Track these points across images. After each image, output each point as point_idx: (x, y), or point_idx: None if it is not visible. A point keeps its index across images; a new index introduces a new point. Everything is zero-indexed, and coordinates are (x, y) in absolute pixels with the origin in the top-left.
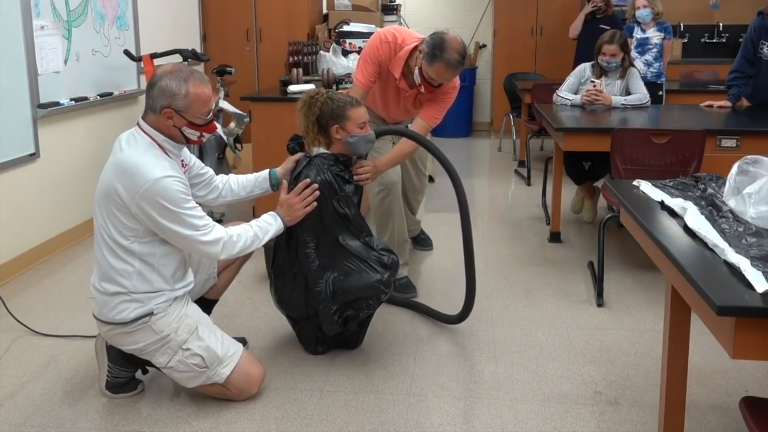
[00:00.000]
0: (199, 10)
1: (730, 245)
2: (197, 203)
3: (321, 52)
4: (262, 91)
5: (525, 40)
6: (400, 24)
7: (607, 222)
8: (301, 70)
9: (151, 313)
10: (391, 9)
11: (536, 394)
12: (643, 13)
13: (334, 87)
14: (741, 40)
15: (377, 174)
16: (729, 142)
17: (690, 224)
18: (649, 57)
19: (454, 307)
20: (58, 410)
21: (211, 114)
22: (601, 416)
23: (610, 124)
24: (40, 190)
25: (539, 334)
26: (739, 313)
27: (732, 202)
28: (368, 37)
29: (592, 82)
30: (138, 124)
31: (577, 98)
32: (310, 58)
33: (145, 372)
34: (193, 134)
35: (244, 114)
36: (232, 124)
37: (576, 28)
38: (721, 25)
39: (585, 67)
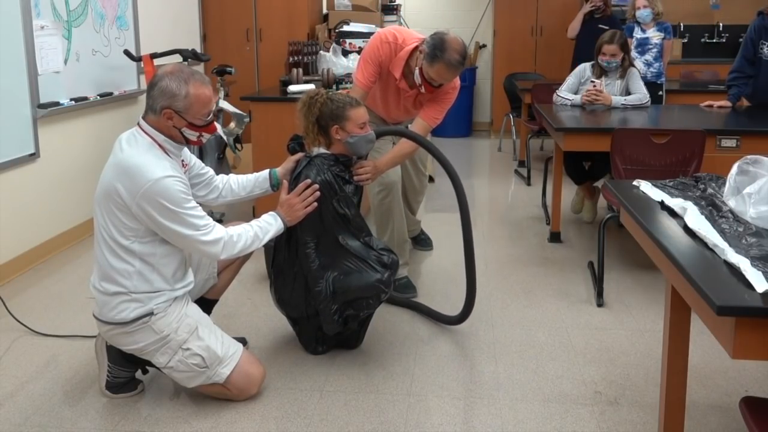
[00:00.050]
0: (199, 10)
1: (730, 245)
2: (197, 203)
3: (321, 52)
4: (262, 91)
5: (525, 40)
6: (400, 24)
7: (607, 222)
8: (301, 70)
9: (151, 313)
10: (391, 9)
11: (536, 394)
12: (644, 13)
13: (334, 87)
14: (741, 40)
15: (377, 174)
16: (729, 142)
17: (690, 224)
18: (649, 57)
19: (454, 307)
20: (58, 410)
21: (211, 115)
22: (601, 416)
23: (610, 124)
24: (40, 190)
25: (539, 334)
26: (739, 313)
27: (732, 202)
28: (368, 37)
29: (592, 82)
30: (138, 124)
31: (577, 98)
32: (310, 58)
33: (145, 372)
34: (192, 135)
35: (244, 114)
36: (232, 124)
37: (574, 28)
38: (721, 25)
39: (585, 67)
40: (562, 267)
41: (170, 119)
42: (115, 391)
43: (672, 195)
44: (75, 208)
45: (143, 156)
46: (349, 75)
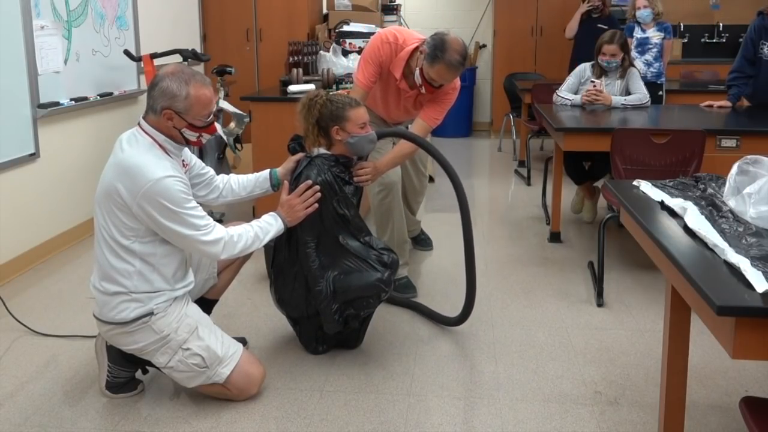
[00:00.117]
0: (199, 10)
1: (730, 245)
2: (198, 203)
3: (321, 52)
4: (262, 91)
5: (525, 40)
6: (400, 24)
7: (607, 222)
8: (301, 70)
9: (151, 313)
10: (391, 9)
11: (536, 394)
12: (644, 13)
13: (334, 87)
14: (741, 40)
15: (377, 175)
16: (729, 142)
17: (690, 224)
18: (649, 57)
19: (454, 307)
20: (58, 410)
21: (211, 116)
22: (601, 416)
23: (610, 124)
24: (40, 190)
25: (539, 334)
26: (739, 313)
27: (732, 202)
28: (368, 37)
29: (592, 82)
30: (139, 124)
31: (577, 98)
32: (310, 58)
33: (145, 372)
34: (192, 135)
35: (244, 114)
36: (232, 124)
37: (572, 28)
38: (721, 25)
39: (585, 67)
40: (562, 267)
41: (170, 120)
42: (115, 391)
43: (672, 195)
44: (75, 208)
45: (144, 156)
46: (349, 75)
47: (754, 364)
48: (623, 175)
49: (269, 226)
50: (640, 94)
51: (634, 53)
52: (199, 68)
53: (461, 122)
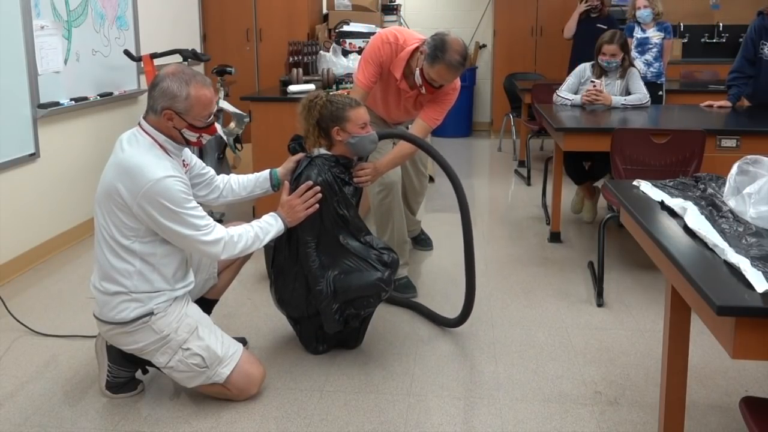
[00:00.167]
0: (199, 10)
1: (730, 245)
2: (198, 203)
3: (321, 52)
4: (262, 91)
5: (525, 40)
6: (400, 24)
7: (607, 222)
8: (301, 70)
9: (151, 313)
10: (391, 9)
11: (536, 394)
12: (644, 13)
13: (334, 87)
14: (741, 40)
15: (377, 176)
16: (729, 142)
17: (690, 224)
18: (649, 57)
19: (454, 307)
20: (58, 410)
21: (211, 117)
22: (601, 416)
23: (610, 124)
24: (40, 190)
25: (539, 334)
26: (739, 313)
27: (732, 202)
28: (368, 37)
29: (592, 82)
30: (139, 124)
31: (577, 98)
32: (310, 58)
33: (145, 372)
34: (192, 136)
35: (244, 114)
36: (232, 124)
37: (570, 29)
38: (721, 25)
39: (585, 67)
40: (562, 267)
41: (170, 120)
42: (115, 391)
43: (672, 195)
44: (75, 208)
45: (144, 156)
46: (349, 75)
47: (754, 364)
48: (623, 175)
49: (269, 226)
50: (640, 94)
51: (634, 53)
52: (199, 68)
53: (461, 122)
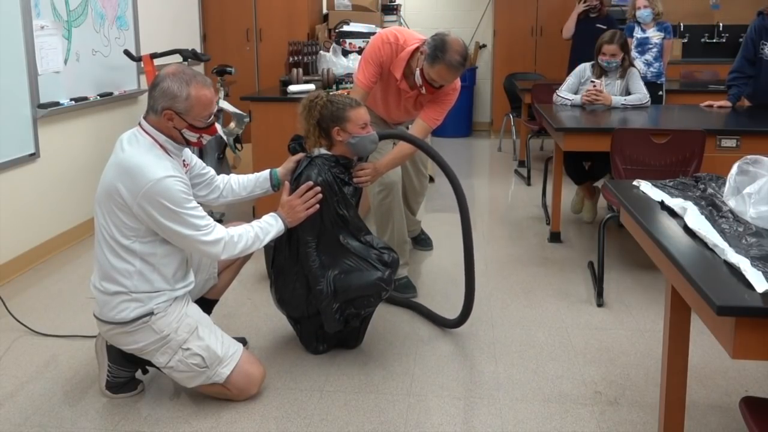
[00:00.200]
0: (199, 10)
1: (730, 245)
2: (198, 203)
3: (321, 52)
4: (262, 91)
5: (525, 40)
6: (400, 24)
7: (607, 222)
8: (301, 70)
9: (151, 313)
10: (391, 9)
11: (536, 394)
12: (644, 13)
13: (334, 87)
14: (741, 40)
15: (377, 176)
16: (729, 142)
17: (690, 224)
18: (649, 57)
19: (454, 307)
20: (58, 410)
21: (212, 117)
22: (601, 416)
23: (610, 124)
24: (40, 190)
25: (539, 334)
26: (739, 313)
27: (732, 202)
28: (368, 37)
29: (592, 82)
30: (139, 124)
31: (577, 98)
32: (310, 58)
33: (145, 372)
34: (192, 136)
35: (244, 114)
36: (232, 124)
37: (569, 29)
38: (721, 25)
39: (585, 67)
40: (562, 267)
41: (171, 120)
42: (115, 391)
43: (672, 195)
44: (75, 208)
45: (144, 156)
46: (349, 75)
47: (754, 364)
48: (623, 175)
49: (270, 226)
50: (640, 94)
51: (634, 53)
52: (199, 68)
53: (461, 122)
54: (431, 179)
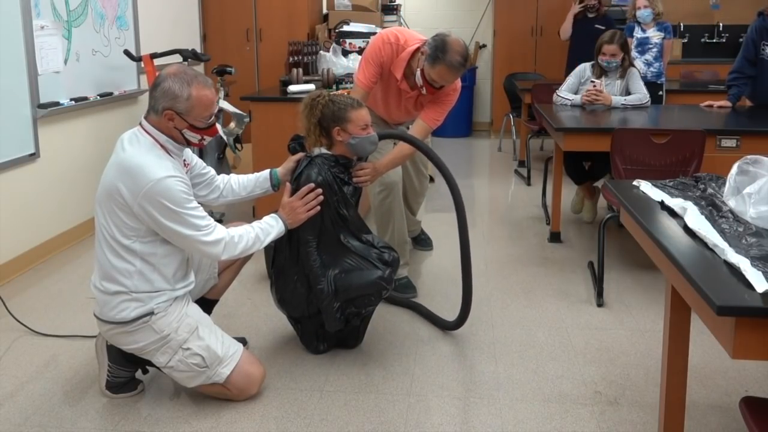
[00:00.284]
0: (199, 10)
1: (730, 245)
2: (198, 203)
3: (321, 52)
4: (262, 91)
5: (525, 40)
6: (400, 24)
7: (607, 222)
8: (301, 70)
9: (151, 313)
10: (391, 9)
11: (536, 394)
12: (644, 13)
13: (334, 87)
14: (741, 40)
15: (377, 176)
16: (729, 142)
17: (690, 224)
18: (649, 57)
19: (454, 308)
20: (58, 410)
21: (212, 117)
22: (601, 416)
23: (610, 124)
24: (40, 190)
25: (539, 334)
26: (739, 313)
27: (732, 202)
28: (368, 38)
29: (592, 82)
30: (140, 123)
31: (577, 98)
32: (310, 58)
33: (145, 372)
34: (194, 137)
35: (244, 114)
36: (232, 124)
37: (566, 29)
38: (721, 25)
39: (585, 67)
40: (562, 267)
41: (171, 120)
42: (115, 391)
43: (672, 195)
44: (75, 208)
45: (145, 156)
46: (349, 75)
47: (754, 364)
48: (623, 175)
49: (270, 227)
50: (640, 94)
51: (634, 53)
52: (199, 68)
53: (461, 122)
54: (431, 179)
